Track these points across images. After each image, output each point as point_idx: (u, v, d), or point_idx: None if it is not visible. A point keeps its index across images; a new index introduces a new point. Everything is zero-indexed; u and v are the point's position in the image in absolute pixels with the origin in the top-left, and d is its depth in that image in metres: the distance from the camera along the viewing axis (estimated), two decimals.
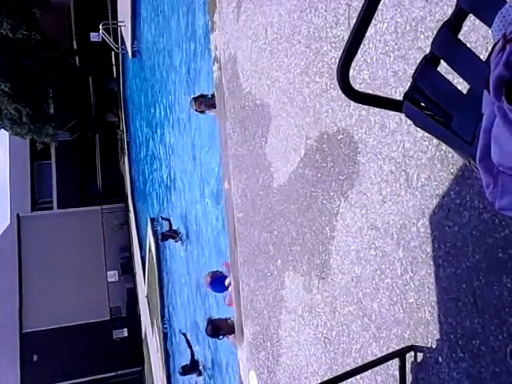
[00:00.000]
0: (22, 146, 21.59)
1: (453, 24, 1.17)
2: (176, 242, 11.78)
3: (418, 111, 1.26)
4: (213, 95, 6.34)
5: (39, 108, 19.27)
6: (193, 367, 9.72)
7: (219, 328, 5.76)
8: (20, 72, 18.06)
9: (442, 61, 1.26)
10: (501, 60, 0.94)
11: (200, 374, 9.82)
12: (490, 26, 1.08)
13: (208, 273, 6.35)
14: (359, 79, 2.75)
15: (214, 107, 6.19)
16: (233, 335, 5.59)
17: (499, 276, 1.94)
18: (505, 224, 1.92)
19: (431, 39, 1.27)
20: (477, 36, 2.00)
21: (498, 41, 0.98)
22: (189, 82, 8.66)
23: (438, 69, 1.27)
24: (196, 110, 6.68)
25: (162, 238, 12.10)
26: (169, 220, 12.48)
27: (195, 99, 6.64)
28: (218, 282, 6.07)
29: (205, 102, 6.49)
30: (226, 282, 5.91)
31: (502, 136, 1.00)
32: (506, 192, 1.03)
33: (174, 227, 11.94)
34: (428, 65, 1.23)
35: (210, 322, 5.87)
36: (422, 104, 1.31)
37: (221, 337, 5.89)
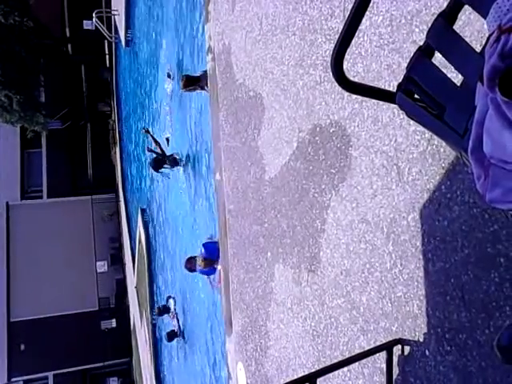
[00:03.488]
0: (12, 133, 21.35)
1: (448, 15, 1.16)
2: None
3: (411, 102, 1.26)
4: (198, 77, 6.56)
5: (30, 95, 19.04)
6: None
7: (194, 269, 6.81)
8: (11, 58, 17.82)
9: (436, 54, 1.25)
10: (495, 51, 0.94)
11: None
12: (485, 18, 1.07)
13: (198, 257, 6.54)
14: (353, 72, 2.74)
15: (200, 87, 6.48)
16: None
17: (487, 271, 1.95)
18: (494, 219, 1.93)
19: (426, 33, 1.27)
20: (471, 30, 2.00)
21: (493, 32, 0.98)
22: (183, 71, 8.60)
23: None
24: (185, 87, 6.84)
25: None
26: None
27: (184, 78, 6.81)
28: (210, 249, 6.46)
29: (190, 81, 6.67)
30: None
31: (495, 128, 0.99)
32: (497, 184, 1.03)
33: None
34: (422, 56, 1.22)
35: (188, 260, 6.89)
36: (416, 96, 1.30)
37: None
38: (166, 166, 9.05)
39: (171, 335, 10.06)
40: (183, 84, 6.65)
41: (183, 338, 9.92)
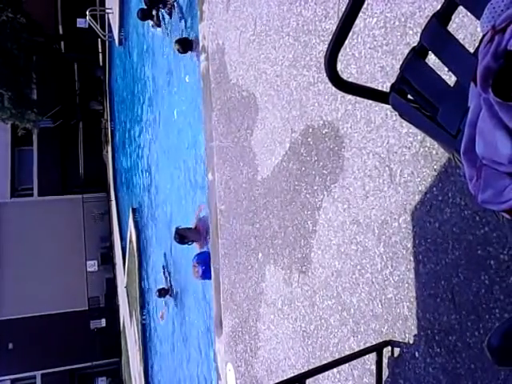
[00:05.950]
0: (2, 131, 21.17)
1: (442, 15, 1.16)
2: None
3: (404, 103, 1.25)
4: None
5: (22, 93, 18.86)
6: None
7: (185, 236, 6.82)
8: (3, 55, 17.67)
9: (430, 55, 1.25)
10: (489, 51, 0.94)
11: None
12: (478, 19, 1.07)
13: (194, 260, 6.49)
14: (346, 73, 2.74)
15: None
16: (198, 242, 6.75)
17: (477, 273, 1.96)
18: (485, 221, 1.93)
19: (420, 33, 1.27)
20: (465, 33, 2.01)
21: (487, 32, 0.98)
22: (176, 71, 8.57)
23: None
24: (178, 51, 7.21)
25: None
26: None
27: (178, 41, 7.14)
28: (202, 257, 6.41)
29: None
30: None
31: (487, 129, 0.99)
32: (489, 185, 1.02)
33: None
34: (416, 56, 1.22)
35: (177, 231, 6.86)
36: (409, 97, 1.30)
37: (189, 243, 6.89)
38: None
39: (162, 292, 9.99)
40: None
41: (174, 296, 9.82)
